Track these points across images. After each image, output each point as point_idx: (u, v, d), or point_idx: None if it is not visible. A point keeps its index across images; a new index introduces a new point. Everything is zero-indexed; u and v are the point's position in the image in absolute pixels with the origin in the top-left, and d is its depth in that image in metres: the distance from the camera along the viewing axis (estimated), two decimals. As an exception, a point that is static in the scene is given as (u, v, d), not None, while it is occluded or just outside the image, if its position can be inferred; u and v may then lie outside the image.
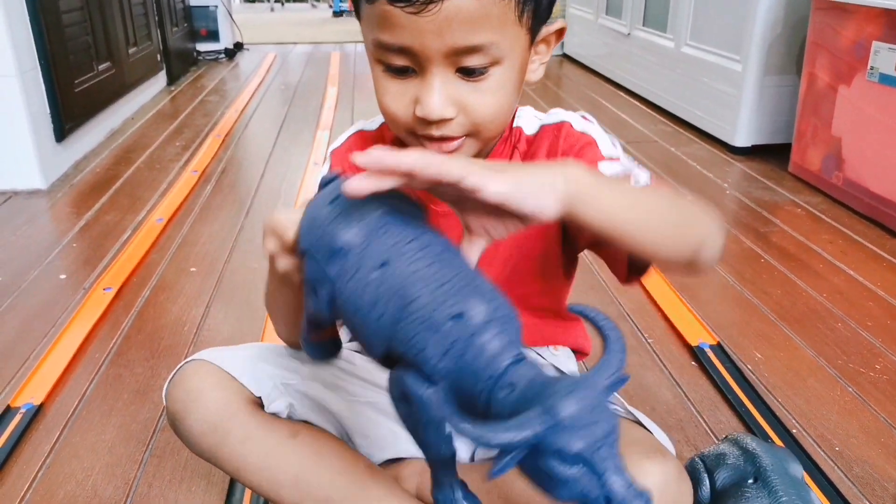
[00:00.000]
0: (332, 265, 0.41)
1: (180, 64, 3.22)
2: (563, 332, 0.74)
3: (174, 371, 0.65)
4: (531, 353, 0.41)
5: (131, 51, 2.54)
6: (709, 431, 0.91)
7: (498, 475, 0.34)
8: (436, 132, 0.54)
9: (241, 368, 0.64)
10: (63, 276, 1.34)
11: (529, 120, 0.64)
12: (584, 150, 0.60)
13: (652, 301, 1.23)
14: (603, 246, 0.60)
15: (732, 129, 2.06)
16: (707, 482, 0.69)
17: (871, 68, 1.54)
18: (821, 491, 0.80)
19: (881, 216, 1.55)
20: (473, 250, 0.44)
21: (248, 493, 0.79)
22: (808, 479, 0.78)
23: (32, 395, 0.97)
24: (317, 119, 2.53)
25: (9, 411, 0.94)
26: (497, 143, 0.64)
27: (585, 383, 0.35)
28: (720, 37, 2.15)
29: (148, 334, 1.14)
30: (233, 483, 0.81)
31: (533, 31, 0.55)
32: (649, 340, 1.12)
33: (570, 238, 0.65)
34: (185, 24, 3.42)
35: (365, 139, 0.68)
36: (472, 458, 0.69)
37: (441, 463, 0.42)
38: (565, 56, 3.61)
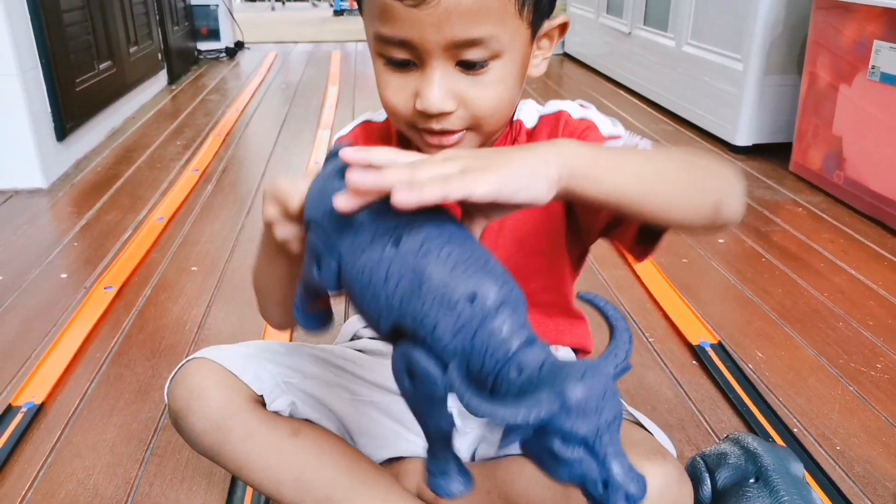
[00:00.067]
0: (342, 238, 0.41)
1: (181, 63, 3.23)
2: (567, 329, 0.73)
3: (176, 369, 0.65)
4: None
5: (132, 50, 2.54)
6: (710, 431, 0.91)
7: (506, 447, 0.35)
8: (436, 126, 0.54)
9: (242, 366, 0.64)
10: (64, 276, 1.34)
11: (530, 113, 0.64)
12: (584, 134, 0.60)
13: (653, 300, 1.23)
14: (614, 229, 0.58)
15: (733, 128, 2.05)
16: (708, 482, 0.68)
17: (873, 67, 1.54)
18: (822, 490, 0.80)
19: (882, 215, 1.55)
20: (475, 230, 0.44)
21: (249, 491, 0.79)
22: (809, 479, 0.78)
23: (34, 394, 0.97)
24: (318, 118, 2.53)
25: (10, 410, 0.94)
26: (499, 137, 0.64)
27: (594, 369, 0.36)
28: (721, 36, 2.15)
29: (149, 333, 1.14)
30: (234, 482, 0.81)
31: (534, 26, 0.55)
32: (650, 339, 1.12)
33: (580, 227, 0.64)
34: (186, 23, 3.42)
35: (371, 130, 0.68)
36: (473, 458, 0.69)
37: (439, 438, 0.43)
38: (566, 55, 3.61)
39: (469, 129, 0.55)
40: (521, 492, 0.61)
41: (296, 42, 4.38)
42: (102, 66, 2.21)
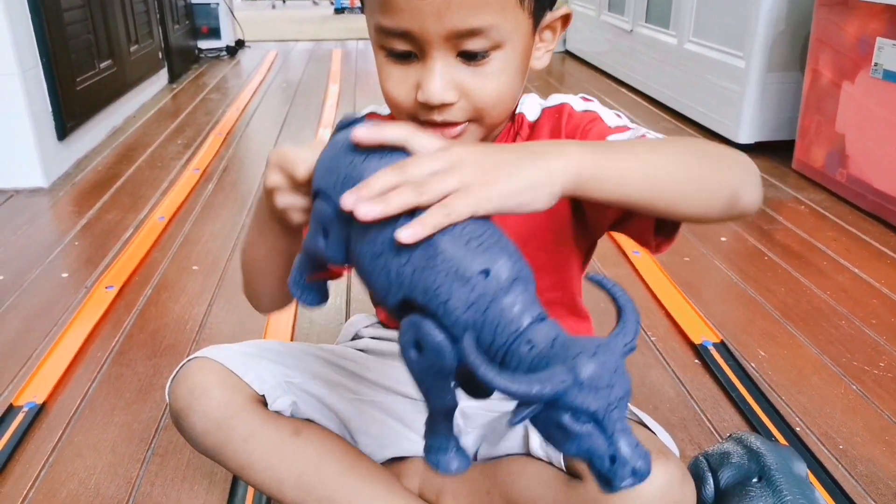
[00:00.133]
0: (343, 198, 0.41)
1: (182, 62, 3.22)
2: (573, 329, 0.73)
3: (177, 369, 0.64)
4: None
5: (133, 49, 2.54)
6: (712, 430, 0.91)
7: (516, 424, 0.36)
8: (437, 117, 0.54)
9: (244, 366, 0.64)
10: (65, 275, 1.34)
11: (532, 106, 0.64)
12: (589, 126, 0.59)
13: (655, 299, 1.23)
14: (624, 222, 0.58)
15: (736, 126, 2.05)
16: (711, 481, 0.68)
17: (875, 65, 1.53)
18: (825, 489, 0.80)
19: (885, 213, 1.54)
20: None
21: (250, 491, 0.79)
22: (812, 478, 0.78)
23: (35, 394, 0.97)
24: (318, 117, 2.52)
25: (11, 410, 0.94)
26: (503, 129, 0.63)
27: (606, 346, 0.36)
28: (723, 33, 2.14)
29: (150, 333, 1.14)
30: (235, 482, 0.81)
31: (536, 16, 0.54)
32: (652, 338, 1.12)
33: (588, 222, 0.63)
34: (187, 22, 3.42)
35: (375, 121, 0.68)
36: (474, 458, 0.69)
37: (441, 413, 0.43)
38: (567, 52, 3.60)
39: (471, 120, 0.55)
40: (522, 491, 0.61)
41: (296, 40, 4.37)
42: (103, 64, 2.21)
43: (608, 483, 0.36)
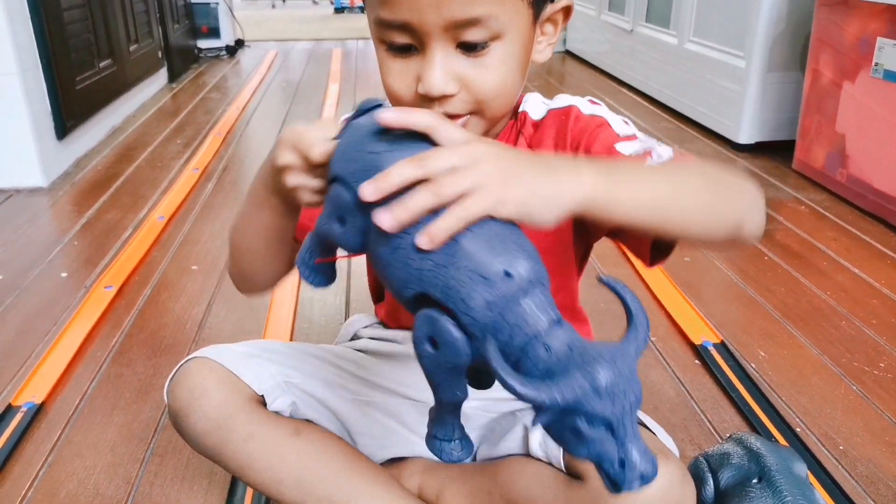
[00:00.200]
0: (362, 187, 0.41)
1: (181, 61, 3.22)
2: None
3: (176, 368, 0.64)
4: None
5: (132, 48, 2.54)
6: (712, 430, 0.90)
7: (536, 426, 0.37)
8: (438, 109, 0.53)
9: (243, 366, 0.64)
10: (64, 275, 1.34)
11: (536, 105, 0.63)
12: (596, 132, 0.59)
13: (655, 299, 1.23)
14: (622, 233, 0.58)
15: (736, 125, 2.05)
16: (711, 482, 0.68)
17: (876, 65, 1.53)
18: (825, 490, 0.80)
19: (886, 213, 1.54)
20: None
21: (249, 491, 0.79)
22: (812, 479, 0.77)
23: (34, 393, 0.97)
24: (319, 116, 2.52)
25: (10, 410, 0.94)
26: (506, 126, 0.63)
27: (623, 353, 0.37)
28: (724, 33, 2.14)
29: (149, 333, 1.14)
30: (234, 482, 0.80)
31: (536, 7, 0.54)
32: (652, 338, 1.12)
33: (587, 227, 0.63)
34: (187, 21, 3.42)
35: None
36: (474, 458, 0.69)
37: (450, 406, 0.43)
38: (567, 52, 3.60)
39: (473, 113, 0.55)
40: (521, 492, 0.61)
41: (296, 40, 4.37)
42: (103, 64, 2.20)
43: (615, 485, 0.37)
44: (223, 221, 1.58)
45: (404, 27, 0.51)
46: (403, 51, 0.53)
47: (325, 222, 0.45)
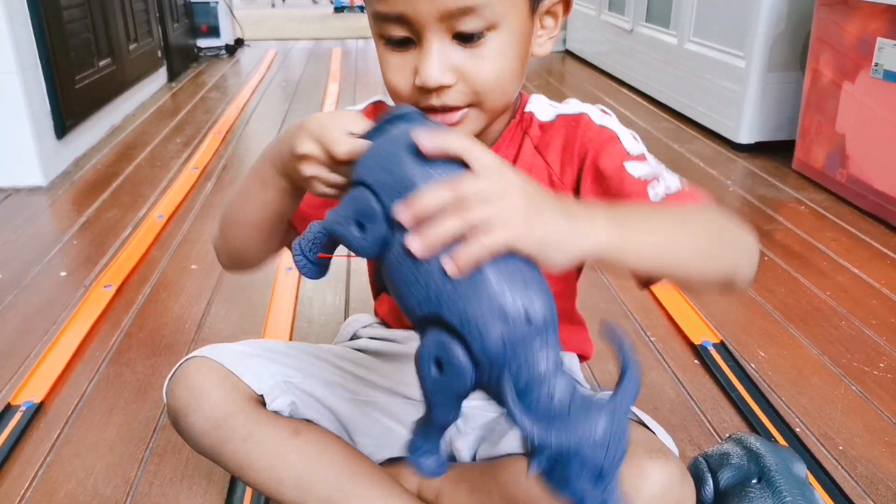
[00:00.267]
0: (398, 208, 0.41)
1: (181, 60, 3.22)
2: (573, 335, 0.73)
3: (175, 367, 0.64)
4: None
5: (132, 47, 2.54)
6: (712, 430, 0.90)
7: (534, 472, 0.39)
8: (436, 101, 0.53)
9: (242, 365, 0.64)
10: (63, 274, 1.34)
11: (543, 106, 0.63)
12: (606, 145, 0.59)
13: (655, 299, 1.23)
14: None
15: (736, 126, 2.05)
16: (710, 482, 0.68)
17: (876, 65, 1.53)
18: (825, 490, 0.79)
19: (885, 214, 1.54)
20: None
21: (248, 491, 0.79)
22: (811, 479, 0.77)
23: (33, 393, 0.97)
24: (318, 116, 2.52)
25: (9, 409, 0.94)
26: (509, 125, 0.63)
27: (617, 405, 0.39)
28: (724, 33, 2.14)
29: (149, 332, 1.14)
30: (234, 482, 0.80)
31: None
32: (652, 339, 1.11)
33: None
34: (186, 21, 3.41)
35: (382, 111, 0.68)
36: (474, 458, 0.69)
37: (440, 425, 0.44)
38: (567, 52, 3.60)
39: (471, 105, 0.54)
40: (523, 492, 0.61)
41: (296, 39, 4.37)
42: (102, 63, 2.20)
43: None
44: (223, 221, 1.58)
45: (400, 19, 0.52)
46: (401, 45, 0.53)
47: (340, 223, 0.44)
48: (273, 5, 6.66)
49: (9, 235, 1.52)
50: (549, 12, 0.58)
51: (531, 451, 0.38)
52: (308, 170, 0.50)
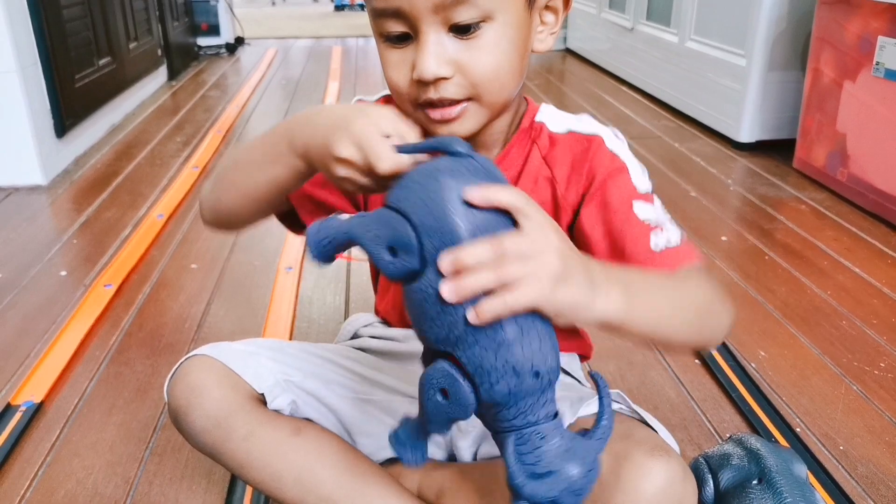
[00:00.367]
0: (441, 258, 0.42)
1: (181, 59, 3.21)
2: (575, 337, 0.74)
3: (176, 366, 0.64)
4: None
5: (132, 46, 2.53)
6: (712, 430, 0.90)
7: None
8: (434, 95, 0.53)
9: (243, 364, 0.64)
10: (63, 273, 1.34)
11: (554, 118, 0.63)
12: (615, 176, 0.59)
13: (655, 298, 1.23)
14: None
15: (737, 124, 2.04)
16: (711, 483, 0.68)
17: (877, 64, 1.53)
18: (825, 491, 0.79)
19: (886, 213, 1.54)
20: None
21: (248, 491, 0.79)
22: (812, 479, 0.77)
23: (32, 392, 0.97)
24: (318, 114, 2.51)
25: (9, 409, 0.94)
26: (518, 133, 0.62)
27: (596, 457, 0.44)
28: (724, 32, 2.13)
29: (149, 332, 1.14)
30: (233, 482, 0.80)
31: None
32: (652, 338, 1.11)
33: (579, 245, 0.64)
34: (186, 19, 3.41)
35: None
36: (475, 458, 0.69)
37: (429, 434, 0.48)
38: (568, 50, 3.59)
39: (470, 99, 0.54)
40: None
41: (296, 37, 4.36)
42: (102, 62, 2.20)
43: None
44: (223, 220, 1.58)
45: (397, 14, 0.52)
46: (400, 41, 0.54)
47: (373, 241, 0.44)
48: (273, 3, 6.65)
49: (8, 235, 1.52)
50: (548, 8, 0.58)
51: (514, 496, 0.43)
52: (342, 171, 0.49)
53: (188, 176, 1.85)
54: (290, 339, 1.11)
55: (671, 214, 0.60)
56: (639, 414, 0.63)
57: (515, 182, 0.62)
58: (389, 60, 0.55)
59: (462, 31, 0.52)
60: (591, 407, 0.62)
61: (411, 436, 0.48)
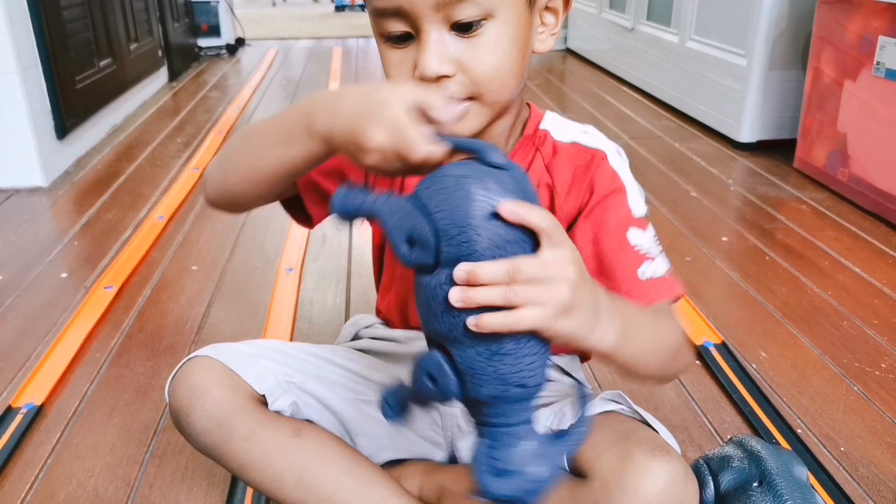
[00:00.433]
0: (457, 268, 0.43)
1: (182, 60, 3.22)
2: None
3: (177, 367, 0.64)
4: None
5: (132, 47, 2.53)
6: (713, 432, 0.90)
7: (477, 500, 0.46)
8: (437, 93, 0.52)
9: (244, 365, 0.64)
10: (64, 275, 1.34)
11: (559, 126, 0.64)
12: (615, 196, 0.60)
13: (655, 299, 1.23)
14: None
15: (737, 124, 2.04)
16: (711, 485, 0.68)
17: (878, 63, 1.53)
18: (826, 492, 0.79)
19: (887, 213, 1.54)
20: None
21: (249, 493, 0.79)
22: (813, 480, 0.77)
23: (33, 395, 0.97)
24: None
25: (10, 412, 0.94)
26: (522, 140, 0.63)
27: (557, 456, 0.47)
28: (725, 31, 2.13)
29: (149, 333, 1.14)
30: (234, 483, 0.80)
31: None
32: (653, 339, 1.11)
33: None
34: (187, 20, 3.41)
35: None
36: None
37: (411, 404, 0.50)
38: (568, 50, 3.59)
39: (472, 98, 0.54)
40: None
41: (297, 38, 4.36)
42: (103, 63, 2.20)
43: None
44: (223, 221, 1.58)
45: (398, 12, 0.52)
46: (401, 41, 0.54)
47: (393, 227, 0.45)
48: (273, 4, 6.65)
49: (9, 236, 1.52)
50: (549, 9, 0.58)
51: (475, 488, 0.46)
52: (372, 160, 0.48)
53: (189, 177, 1.85)
54: (291, 340, 1.11)
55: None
56: (640, 414, 0.63)
57: None
58: (390, 60, 0.55)
59: (464, 29, 0.52)
60: (595, 409, 0.62)
61: (397, 401, 0.50)
